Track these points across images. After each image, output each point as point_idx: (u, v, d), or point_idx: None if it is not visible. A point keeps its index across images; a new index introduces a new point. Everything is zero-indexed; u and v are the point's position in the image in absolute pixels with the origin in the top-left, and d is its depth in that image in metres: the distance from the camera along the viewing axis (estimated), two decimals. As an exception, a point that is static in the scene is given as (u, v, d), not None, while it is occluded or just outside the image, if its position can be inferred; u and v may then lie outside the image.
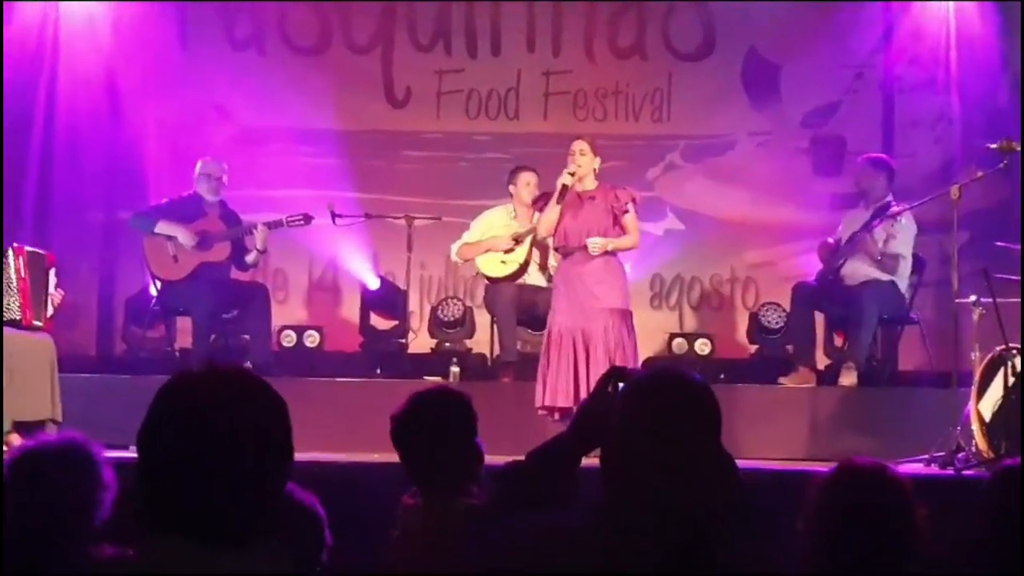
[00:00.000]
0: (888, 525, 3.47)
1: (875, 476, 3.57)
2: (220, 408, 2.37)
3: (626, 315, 8.53)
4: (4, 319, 8.32)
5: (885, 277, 9.52)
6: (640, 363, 8.81)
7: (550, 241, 9.21)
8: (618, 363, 8.09)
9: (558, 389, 8.37)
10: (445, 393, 4.15)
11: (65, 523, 3.59)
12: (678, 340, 10.74)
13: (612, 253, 8.58)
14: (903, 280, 9.61)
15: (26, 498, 3.60)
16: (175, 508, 2.34)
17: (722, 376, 10.30)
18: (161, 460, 2.36)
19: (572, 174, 8.52)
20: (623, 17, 11.85)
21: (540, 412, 8.46)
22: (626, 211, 8.58)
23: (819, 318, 9.98)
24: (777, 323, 10.54)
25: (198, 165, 9.98)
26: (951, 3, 11.28)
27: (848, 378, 9.37)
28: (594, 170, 8.63)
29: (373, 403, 8.87)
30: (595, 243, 8.46)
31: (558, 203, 8.56)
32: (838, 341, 10.22)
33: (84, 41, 11.42)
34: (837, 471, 3.60)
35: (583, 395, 8.13)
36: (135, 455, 2.40)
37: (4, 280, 8.34)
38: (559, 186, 8.56)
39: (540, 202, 8.95)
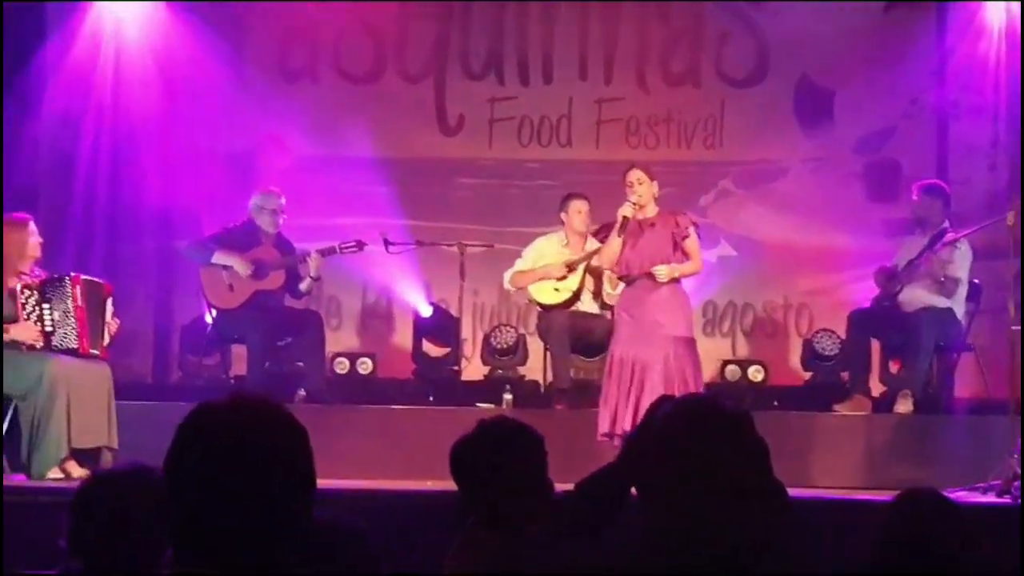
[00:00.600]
0: (948, 554, 3.45)
1: (935, 505, 3.56)
2: (238, 435, 2.38)
3: (690, 343, 8.48)
4: (62, 347, 8.40)
5: (943, 303, 9.46)
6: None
7: (606, 273, 9.21)
8: (679, 392, 8.06)
9: (618, 417, 8.33)
10: (513, 424, 4.07)
11: (138, 550, 3.60)
12: (731, 367, 10.70)
13: (677, 280, 8.53)
14: (960, 306, 9.55)
15: (101, 527, 3.62)
16: (200, 536, 2.35)
17: (775, 403, 10.27)
18: (184, 487, 2.37)
19: (634, 204, 8.51)
20: (676, 44, 11.86)
21: (602, 438, 8.42)
22: (687, 236, 8.54)
23: (874, 345, 9.94)
24: (831, 350, 10.49)
25: (256, 198, 10.01)
26: (1002, 23, 11.21)
27: (904, 405, 9.31)
28: (653, 195, 8.61)
29: (426, 430, 8.92)
30: (661, 271, 8.40)
31: (620, 235, 8.52)
32: (894, 368, 10.16)
33: (139, 72, 11.49)
34: (897, 501, 3.59)
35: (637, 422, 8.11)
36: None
37: (62, 309, 8.43)
38: (620, 218, 8.51)
39: (601, 233, 8.91)
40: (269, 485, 2.35)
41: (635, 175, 8.58)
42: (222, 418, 2.42)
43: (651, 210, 8.59)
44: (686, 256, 8.55)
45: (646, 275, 8.45)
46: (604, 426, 8.40)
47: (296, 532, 2.39)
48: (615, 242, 8.55)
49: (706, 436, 2.73)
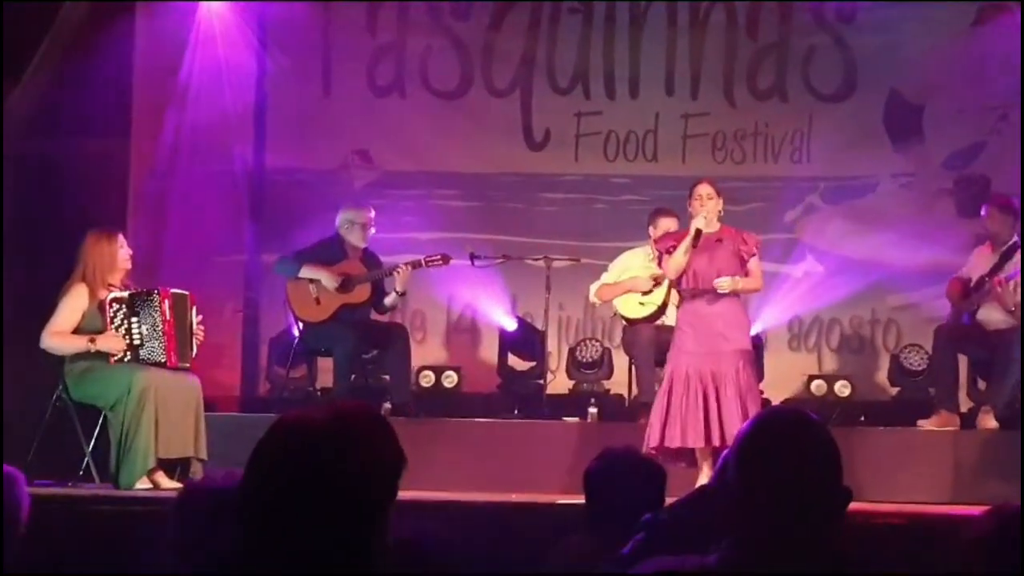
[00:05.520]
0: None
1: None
2: (321, 449, 2.36)
3: (751, 356, 8.63)
4: (149, 361, 8.50)
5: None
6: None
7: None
8: (748, 404, 8.13)
9: (687, 430, 8.30)
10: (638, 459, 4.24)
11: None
12: (817, 382, 10.64)
13: (736, 294, 8.63)
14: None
15: (200, 533, 3.64)
16: (276, 548, 2.32)
17: (862, 418, 10.21)
18: (263, 499, 2.35)
19: (706, 217, 8.55)
20: (763, 59, 11.80)
21: (651, 453, 8.12)
22: (754, 255, 8.69)
23: (963, 361, 9.85)
24: (919, 365, 10.41)
25: (346, 212, 10.08)
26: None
27: (987, 421, 9.25)
28: (719, 212, 8.67)
29: (510, 444, 8.93)
30: (723, 283, 8.52)
31: (694, 247, 8.55)
32: (982, 384, 10.07)
33: (227, 86, 11.58)
34: (988, 515, 3.55)
35: (714, 435, 8.15)
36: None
37: (150, 323, 8.52)
38: (693, 230, 8.56)
39: (667, 242, 8.87)
40: (347, 501, 2.33)
41: (706, 190, 8.67)
42: (308, 430, 2.39)
43: (715, 225, 8.67)
44: (748, 274, 8.68)
45: (711, 290, 8.54)
46: (653, 440, 8.33)
47: (373, 548, 2.37)
48: (683, 253, 8.57)
49: (784, 448, 2.73)
